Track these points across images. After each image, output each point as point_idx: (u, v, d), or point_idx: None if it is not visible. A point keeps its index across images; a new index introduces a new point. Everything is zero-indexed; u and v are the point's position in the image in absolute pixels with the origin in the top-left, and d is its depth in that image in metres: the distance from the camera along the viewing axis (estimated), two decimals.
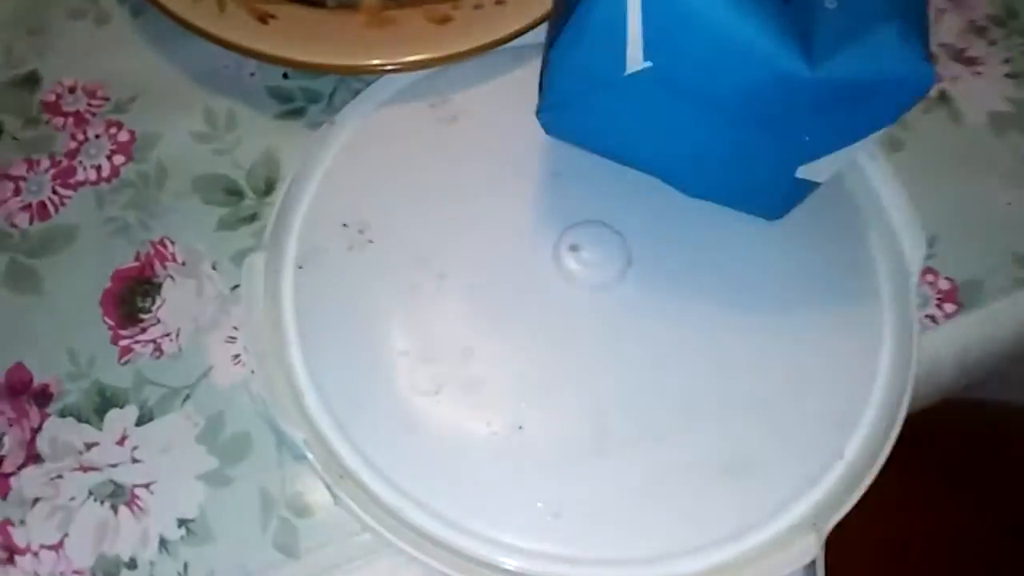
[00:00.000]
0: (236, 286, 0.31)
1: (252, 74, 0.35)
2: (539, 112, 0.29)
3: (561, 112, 0.28)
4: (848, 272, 0.30)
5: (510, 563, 0.26)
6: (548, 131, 0.29)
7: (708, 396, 0.28)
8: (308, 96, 0.34)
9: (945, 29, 0.36)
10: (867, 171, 0.32)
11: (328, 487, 0.27)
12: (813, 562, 0.27)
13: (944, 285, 0.32)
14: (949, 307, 0.31)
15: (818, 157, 0.25)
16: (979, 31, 0.36)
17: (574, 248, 0.29)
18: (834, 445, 0.28)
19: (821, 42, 0.22)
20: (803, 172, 0.26)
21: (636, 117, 0.26)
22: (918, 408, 0.32)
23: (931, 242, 0.32)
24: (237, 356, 0.30)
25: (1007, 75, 0.35)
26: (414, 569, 0.27)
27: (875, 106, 0.24)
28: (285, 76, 0.34)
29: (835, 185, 0.32)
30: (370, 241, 0.29)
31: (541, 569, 0.25)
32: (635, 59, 0.23)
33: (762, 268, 0.30)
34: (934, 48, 0.36)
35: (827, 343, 0.29)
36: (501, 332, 0.28)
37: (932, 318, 0.31)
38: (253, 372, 0.29)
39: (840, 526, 0.35)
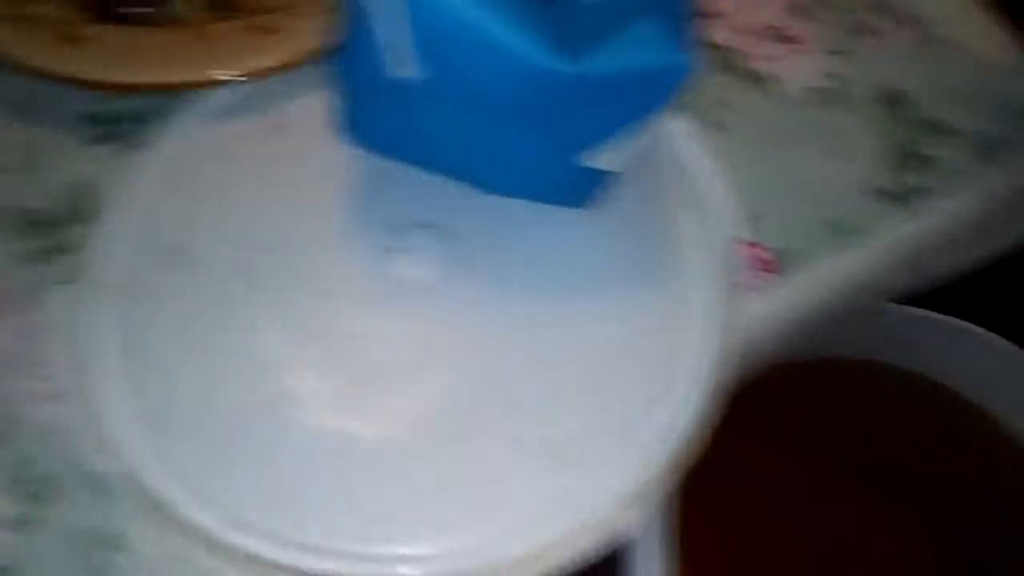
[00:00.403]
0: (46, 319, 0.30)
1: (63, 99, 0.33)
2: (339, 127, 0.30)
3: (356, 124, 0.29)
4: (667, 250, 0.32)
5: (346, 570, 0.26)
6: (352, 142, 0.30)
7: (533, 385, 0.29)
8: (123, 118, 0.33)
9: (767, 12, 0.38)
10: (685, 153, 0.34)
11: (148, 521, 0.27)
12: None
13: (765, 254, 0.34)
14: (770, 275, 0.33)
15: (598, 146, 0.27)
16: (801, 11, 0.39)
17: (399, 251, 0.30)
18: (658, 419, 0.29)
19: (580, 39, 0.24)
20: (591, 161, 0.28)
21: (425, 123, 0.27)
22: (752, 374, 0.34)
23: (753, 215, 0.34)
24: (47, 393, 0.29)
25: (828, 52, 0.38)
26: None
27: (640, 96, 0.25)
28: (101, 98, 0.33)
29: (654, 168, 0.34)
30: (190, 262, 0.30)
31: (378, 571, 0.27)
32: (410, 68, 0.25)
33: (584, 256, 0.32)
34: (760, 28, 0.38)
35: (648, 321, 0.31)
36: (328, 341, 0.29)
37: (753, 287, 0.33)
38: (64, 408, 0.28)
39: (696, 498, 0.37)
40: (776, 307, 0.33)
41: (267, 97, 0.34)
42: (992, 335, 0.41)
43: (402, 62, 0.24)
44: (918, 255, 0.35)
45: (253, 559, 0.27)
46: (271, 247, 0.31)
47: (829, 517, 0.42)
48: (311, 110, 0.33)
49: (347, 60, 0.27)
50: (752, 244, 0.33)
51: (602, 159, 0.27)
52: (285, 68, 0.33)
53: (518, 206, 0.32)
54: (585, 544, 0.27)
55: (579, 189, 0.30)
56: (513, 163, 0.28)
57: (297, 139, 0.33)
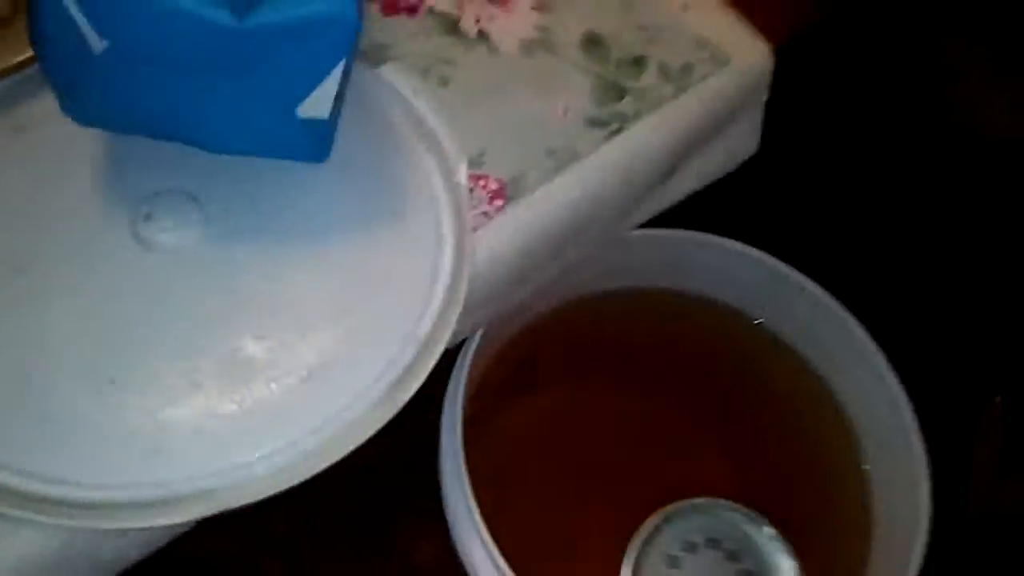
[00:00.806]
0: None
1: None
2: (60, 106, 0.31)
3: (74, 104, 0.31)
4: (406, 190, 0.36)
5: (122, 498, 0.29)
6: (78, 121, 0.32)
7: (291, 318, 0.32)
8: None
9: None
10: (413, 104, 0.37)
11: None
12: None
13: (493, 185, 0.38)
14: (499, 202, 0.37)
15: (298, 98, 0.30)
16: None
17: (148, 217, 0.32)
18: (408, 331, 0.33)
19: None
20: (304, 111, 0.31)
21: (128, 92, 0.29)
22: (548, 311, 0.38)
23: (481, 152, 0.38)
24: None
25: (532, 8, 0.42)
26: (37, 532, 0.29)
27: (316, 46, 0.29)
28: None
29: (384, 122, 0.37)
30: None
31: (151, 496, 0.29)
32: (94, 40, 0.27)
33: (330, 203, 0.35)
34: None
35: (394, 252, 0.34)
36: (89, 307, 0.31)
37: (486, 214, 0.37)
38: None
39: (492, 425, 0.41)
40: (507, 228, 0.37)
41: (4, 96, 0.35)
42: (748, 248, 0.47)
43: (87, 36, 0.27)
44: (629, 173, 0.40)
45: (48, 500, 0.28)
46: (25, 236, 0.32)
47: (614, 423, 0.47)
48: (50, 104, 0.34)
49: (42, 40, 0.29)
50: (480, 176, 0.38)
51: (310, 109, 0.31)
52: (18, 69, 0.35)
53: (261, 164, 0.34)
54: (345, 444, 0.31)
55: (305, 141, 0.32)
56: (227, 120, 0.31)
57: (40, 133, 0.34)
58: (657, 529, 0.35)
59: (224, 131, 0.31)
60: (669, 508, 0.35)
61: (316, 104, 0.31)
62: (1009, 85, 0.57)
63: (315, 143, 0.33)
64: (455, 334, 0.37)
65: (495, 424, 0.45)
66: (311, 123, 0.32)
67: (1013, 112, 0.57)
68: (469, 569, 0.39)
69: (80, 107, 0.31)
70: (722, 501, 0.35)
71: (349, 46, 0.30)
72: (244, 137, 0.32)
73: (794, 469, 0.42)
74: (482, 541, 0.37)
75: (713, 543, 0.35)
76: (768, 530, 0.35)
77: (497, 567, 0.36)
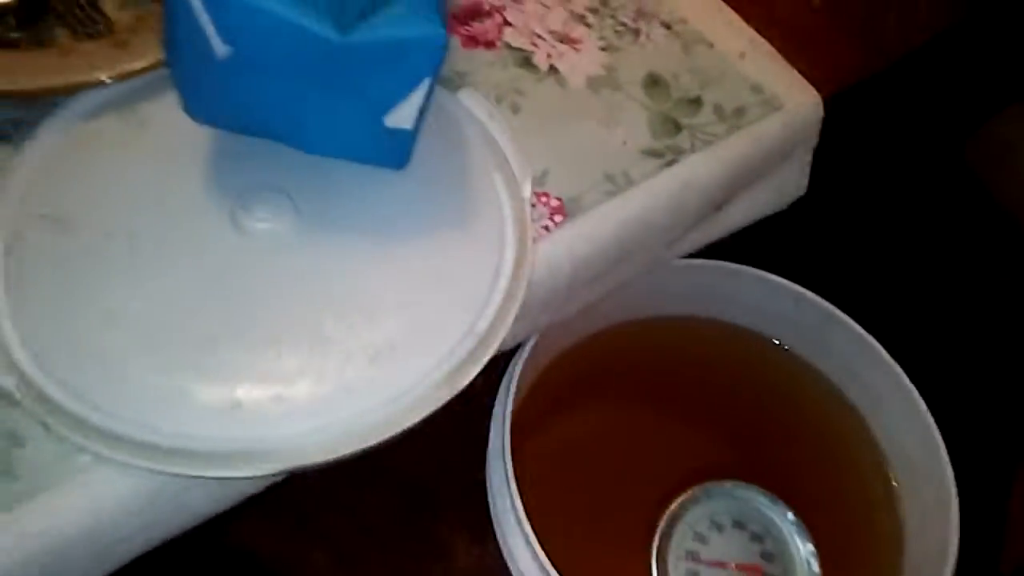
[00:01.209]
0: None
1: None
2: (182, 106, 0.36)
3: (194, 103, 0.35)
4: (475, 200, 0.39)
5: (203, 448, 0.32)
6: (196, 119, 0.36)
7: (366, 305, 0.36)
8: (4, 123, 0.39)
9: (553, 19, 0.47)
10: (486, 125, 0.41)
11: (41, 422, 0.32)
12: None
13: (554, 203, 0.41)
14: (558, 218, 0.40)
15: (388, 108, 0.34)
16: (579, 18, 0.47)
17: (246, 208, 0.36)
18: (467, 324, 0.36)
19: (349, 15, 0.31)
20: (390, 121, 0.34)
21: (244, 95, 0.34)
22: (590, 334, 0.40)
23: (544, 172, 0.42)
24: None
25: (600, 48, 0.46)
26: (129, 476, 0.33)
27: (407, 63, 0.33)
28: None
29: (461, 140, 0.41)
30: (67, 226, 0.35)
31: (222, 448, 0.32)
32: (219, 46, 0.31)
33: (407, 207, 0.38)
34: (545, 34, 0.46)
35: (461, 254, 0.38)
36: (192, 279, 0.35)
37: (546, 227, 0.40)
38: None
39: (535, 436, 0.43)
40: (564, 242, 0.40)
41: (131, 96, 0.40)
42: (783, 280, 0.49)
43: (212, 42, 0.31)
44: (679, 201, 0.43)
45: (136, 444, 0.32)
46: (138, 215, 0.37)
47: (651, 440, 0.49)
48: (168, 105, 0.39)
49: (173, 46, 0.33)
50: (542, 194, 0.41)
51: (396, 120, 0.34)
52: (144, 71, 0.40)
53: (348, 167, 0.38)
54: (404, 420, 0.33)
55: (389, 149, 0.36)
56: (323, 125, 0.35)
57: (157, 129, 0.39)
58: (685, 507, 0.37)
59: (320, 134, 0.35)
60: (698, 488, 0.37)
61: (402, 115, 0.35)
62: None
63: (398, 151, 0.37)
64: (511, 335, 0.40)
65: (540, 434, 0.48)
66: (396, 132, 0.35)
67: None
68: (515, 572, 0.41)
69: (199, 106, 0.35)
70: (749, 485, 0.37)
71: (436, 65, 0.34)
72: (337, 141, 0.36)
73: (827, 492, 0.44)
74: (527, 542, 0.39)
75: (739, 524, 0.37)
76: (791, 516, 0.37)
77: (543, 569, 0.38)
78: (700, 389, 0.49)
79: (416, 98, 0.34)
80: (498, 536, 0.42)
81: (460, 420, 0.44)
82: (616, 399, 0.48)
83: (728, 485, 0.37)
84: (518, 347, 0.46)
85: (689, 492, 0.37)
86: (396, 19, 0.32)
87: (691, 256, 0.48)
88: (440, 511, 0.56)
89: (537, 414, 0.48)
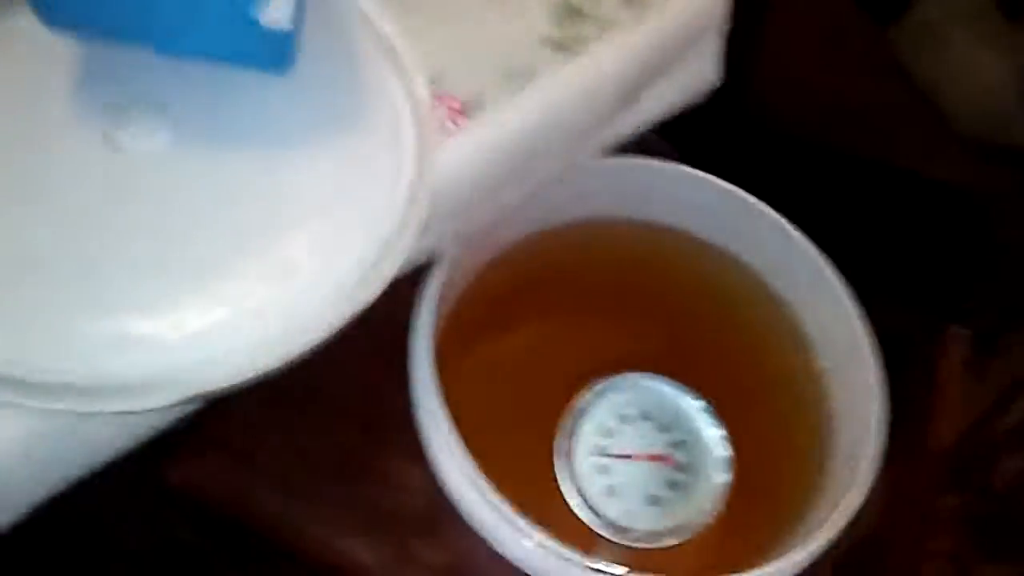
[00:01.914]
0: None
1: None
2: (36, 14, 0.32)
3: (48, 6, 0.32)
4: (369, 103, 0.37)
5: (92, 382, 0.30)
6: (49, 25, 0.33)
7: (258, 220, 0.33)
8: None
9: None
10: (376, 24, 0.39)
11: None
12: None
13: (454, 104, 0.39)
14: (460, 120, 0.38)
15: (261, 3, 0.31)
16: None
17: (121, 126, 0.34)
18: (369, 235, 0.34)
19: None
20: (264, 18, 0.32)
21: None
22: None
23: (441, 72, 0.39)
24: None
25: None
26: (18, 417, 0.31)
27: None
28: None
29: (347, 37, 0.38)
30: None
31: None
32: None
33: (295, 113, 0.36)
34: None
35: (357, 160, 0.36)
36: (65, 206, 0.33)
37: (447, 131, 0.38)
38: None
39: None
40: (468, 145, 0.38)
41: None
42: (706, 175, 0.48)
43: None
44: (587, 95, 0.41)
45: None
46: (5, 145, 0.34)
47: (573, 349, 0.48)
48: (24, 14, 0.35)
49: None
50: (441, 95, 0.39)
51: (271, 18, 0.32)
52: None
53: (229, 74, 0.35)
54: (310, 337, 0.32)
55: (265, 49, 0.33)
56: (184, 20, 0.32)
57: (14, 44, 0.36)
58: (589, 403, 0.36)
59: (185, 34, 0.32)
60: (602, 383, 0.37)
61: (276, 10, 0.32)
62: None
63: (276, 52, 0.34)
64: (420, 247, 0.39)
65: (468, 348, 0.47)
66: (271, 32, 0.33)
67: None
68: (450, 493, 0.40)
69: (54, 11, 0.32)
70: (656, 375, 0.37)
71: None
72: (204, 42, 0.33)
73: (753, 384, 0.44)
74: (458, 465, 0.38)
75: (646, 415, 0.37)
76: (699, 403, 0.37)
77: (478, 491, 0.37)
78: (625, 290, 0.48)
79: None
80: (429, 459, 0.41)
81: (387, 340, 0.43)
82: (541, 306, 0.47)
83: (633, 377, 0.37)
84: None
85: (592, 388, 0.37)
86: None
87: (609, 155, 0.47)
88: (378, 435, 0.55)
89: (464, 328, 0.47)
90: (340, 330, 0.34)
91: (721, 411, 0.41)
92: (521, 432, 0.38)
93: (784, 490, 0.42)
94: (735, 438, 0.40)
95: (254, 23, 0.32)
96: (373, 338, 0.41)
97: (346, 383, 0.51)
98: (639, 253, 0.48)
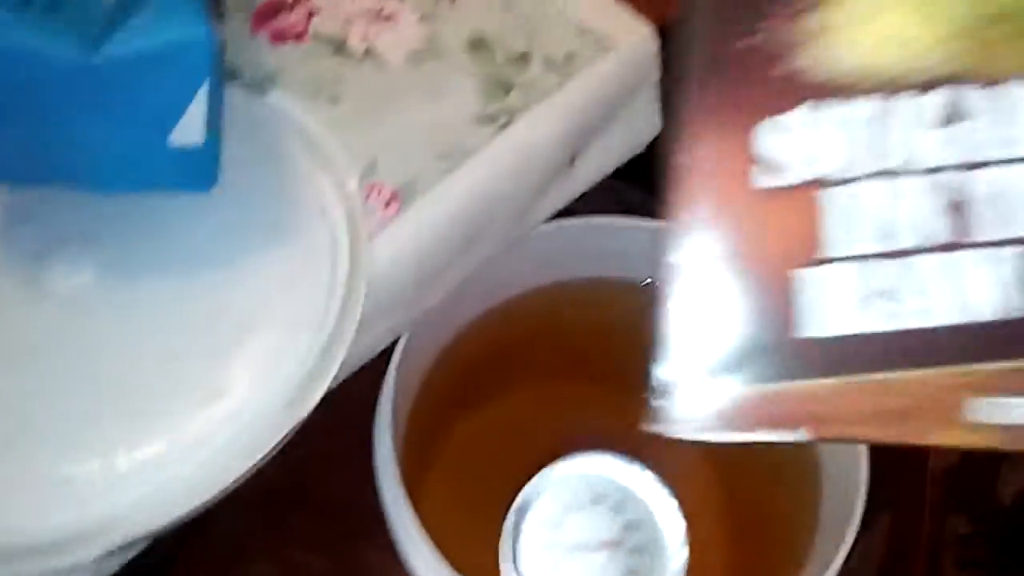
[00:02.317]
0: None
1: None
2: None
3: None
4: (300, 207, 0.36)
5: (31, 541, 0.29)
6: None
7: (193, 343, 0.33)
8: None
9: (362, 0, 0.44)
10: (302, 125, 0.38)
11: None
12: None
13: (387, 192, 0.38)
14: (393, 207, 0.38)
15: (170, 126, 0.31)
16: None
17: (45, 265, 0.33)
18: (304, 344, 0.33)
19: (97, 30, 0.28)
20: (176, 139, 0.32)
21: (6, 137, 0.30)
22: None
23: (373, 162, 0.39)
24: None
25: (418, 20, 0.43)
26: None
27: (174, 73, 0.30)
28: None
29: (275, 143, 0.38)
30: None
31: None
32: None
33: (225, 228, 0.35)
34: (357, 16, 0.43)
35: (289, 268, 0.35)
36: None
37: (381, 220, 0.38)
38: None
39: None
40: (403, 232, 0.38)
41: None
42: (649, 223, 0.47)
43: None
44: (521, 165, 0.40)
45: None
46: None
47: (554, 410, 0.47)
48: None
49: None
50: (373, 185, 0.38)
51: (182, 137, 0.32)
52: None
53: (155, 199, 0.35)
54: (245, 462, 0.31)
55: (185, 171, 0.33)
56: (100, 158, 0.31)
57: None
58: (533, 497, 0.35)
59: (99, 169, 0.32)
60: (549, 470, 0.35)
61: (187, 131, 0.32)
62: None
63: (196, 171, 0.34)
64: (367, 344, 0.38)
65: (438, 433, 0.46)
66: (187, 152, 0.32)
67: None
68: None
69: None
70: (603, 455, 0.35)
71: (208, 67, 0.31)
72: (121, 175, 0.33)
73: None
74: (421, 553, 0.36)
75: (597, 498, 0.35)
76: (648, 475, 0.35)
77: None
78: (594, 354, 0.47)
79: (198, 108, 0.32)
80: (399, 552, 0.40)
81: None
82: (508, 380, 0.46)
83: (581, 458, 0.35)
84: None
85: (537, 477, 0.35)
86: (152, 23, 0.29)
87: (556, 217, 0.46)
88: (366, 532, 0.54)
89: (433, 409, 0.46)
90: (279, 447, 0.33)
91: (702, 473, 0.39)
92: (486, 518, 0.37)
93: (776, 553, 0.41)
94: (725, 501, 0.38)
95: (167, 148, 0.32)
96: (360, 429, 0.41)
97: (333, 479, 0.50)
98: (609, 314, 0.47)
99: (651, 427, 0.23)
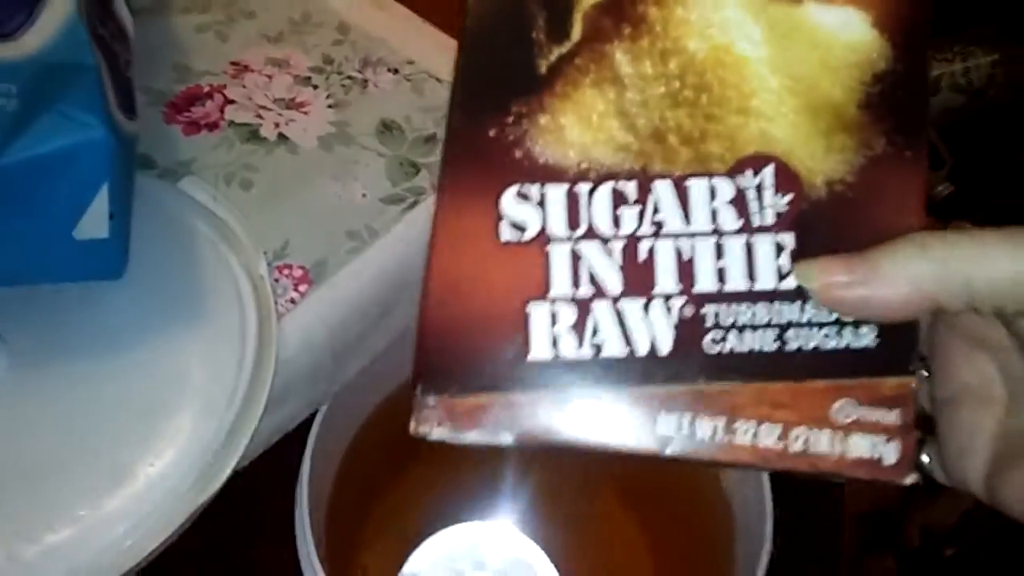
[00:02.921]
0: None
1: None
2: None
3: None
4: (210, 292, 0.38)
5: None
6: None
7: (102, 430, 0.34)
8: None
9: (276, 87, 0.46)
10: (212, 210, 0.40)
11: None
12: None
13: (297, 272, 0.40)
14: (303, 287, 0.39)
15: (74, 221, 0.32)
16: (304, 80, 0.47)
17: None
18: (212, 425, 0.34)
19: (1, 136, 0.30)
20: (80, 234, 0.33)
21: None
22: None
23: (284, 244, 0.40)
24: None
25: (329, 106, 0.46)
26: None
27: (76, 173, 0.31)
28: None
29: (185, 229, 0.39)
30: None
31: None
32: None
33: (135, 315, 0.36)
34: (271, 104, 0.46)
35: (201, 351, 0.36)
36: None
37: (292, 300, 0.39)
38: None
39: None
40: (313, 311, 0.39)
41: None
42: None
43: None
44: (425, 242, 0.42)
45: None
46: None
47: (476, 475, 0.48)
48: None
49: None
50: (284, 267, 0.40)
51: (87, 231, 0.33)
52: None
53: (64, 288, 0.36)
54: (152, 543, 0.32)
55: (92, 262, 0.34)
56: (13, 253, 0.32)
57: None
58: (418, 567, 0.35)
59: (7, 266, 0.33)
60: (431, 540, 0.36)
61: (91, 225, 0.33)
62: None
63: (103, 261, 0.35)
64: (284, 416, 0.39)
65: (363, 509, 0.46)
66: (93, 243, 0.34)
67: None
68: None
69: None
70: (491, 523, 0.36)
71: (109, 166, 0.32)
72: (29, 269, 0.34)
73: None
74: None
75: (479, 565, 0.36)
76: (529, 543, 0.36)
77: None
78: None
79: (100, 205, 0.33)
80: None
81: None
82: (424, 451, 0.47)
83: (465, 527, 0.36)
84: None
85: (420, 547, 0.36)
86: (50, 130, 0.31)
87: None
88: None
89: (357, 479, 0.47)
90: (188, 525, 0.33)
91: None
92: None
93: None
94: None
95: (74, 240, 0.33)
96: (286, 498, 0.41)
97: (258, 550, 0.50)
98: None
99: (414, 433, 0.28)
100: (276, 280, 0.39)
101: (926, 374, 0.28)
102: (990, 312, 0.25)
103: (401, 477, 0.48)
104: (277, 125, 0.44)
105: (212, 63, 0.46)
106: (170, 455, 0.33)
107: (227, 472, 0.33)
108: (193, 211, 0.39)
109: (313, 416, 0.43)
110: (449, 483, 0.47)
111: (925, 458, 0.28)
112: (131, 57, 0.39)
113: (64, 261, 0.34)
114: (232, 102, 0.45)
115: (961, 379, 0.27)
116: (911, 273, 0.25)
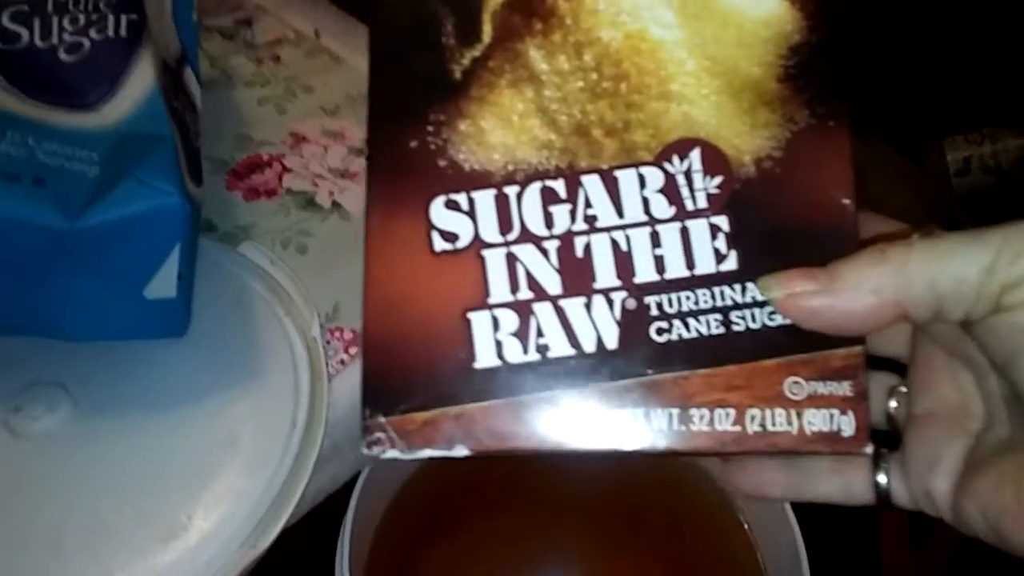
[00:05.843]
0: None
1: None
2: None
3: None
4: (265, 351, 0.39)
5: None
6: None
7: (157, 484, 0.35)
8: None
9: (332, 157, 0.48)
10: (270, 273, 0.42)
11: None
12: None
13: (348, 335, 0.41)
14: (353, 349, 0.41)
15: (145, 282, 0.34)
16: (358, 152, 0.49)
17: (19, 409, 0.35)
18: (263, 482, 0.35)
19: (78, 200, 0.32)
20: (151, 293, 0.35)
21: None
22: None
23: (336, 307, 0.42)
24: None
25: None
26: None
27: (150, 236, 0.33)
28: None
29: (243, 291, 0.41)
30: None
31: None
32: None
33: (193, 372, 0.38)
34: (326, 173, 0.48)
35: (253, 409, 0.37)
36: None
37: (343, 362, 0.40)
38: None
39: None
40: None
41: None
42: None
43: None
44: None
45: None
46: None
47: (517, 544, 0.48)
48: None
49: None
50: (336, 329, 0.41)
51: (157, 291, 0.34)
52: None
53: (128, 344, 0.38)
54: None
55: (158, 320, 0.36)
56: (80, 312, 0.34)
57: None
58: None
59: (79, 323, 0.35)
60: None
61: (161, 285, 0.35)
62: None
63: (169, 320, 0.36)
64: (329, 478, 0.39)
65: (408, 566, 0.46)
66: (161, 303, 0.35)
67: None
68: None
69: None
70: None
71: (182, 231, 0.34)
72: (99, 325, 0.35)
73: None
74: None
75: None
76: None
77: None
78: (556, 486, 0.49)
79: (170, 266, 0.35)
80: None
81: None
82: (470, 514, 0.48)
83: None
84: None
85: None
86: (128, 195, 0.33)
87: None
88: None
89: (396, 544, 0.47)
90: None
91: None
92: None
93: None
94: None
95: (144, 300, 0.35)
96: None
97: None
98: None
99: (366, 454, 0.27)
100: (328, 342, 0.40)
101: (903, 390, 0.28)
102: (960, 320, 0.25)
103: (440, 540, 0.48)
104: (331, 193, 0.47)
105: (272, 133, 0.49)
106: (221, 512, 0.34)
107: (277, 530, 0.34)
108: (251, 273, 0.41)
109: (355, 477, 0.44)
110: (486, 550, 0.47)
111: (882, 478, 0.28)
112: (199, 128, 0.41)
113: (133, 319, 0.36)
114: (290, 171, 0.47)
115: (941, 393, 0.27)
116: (872, 280, 0.25)
